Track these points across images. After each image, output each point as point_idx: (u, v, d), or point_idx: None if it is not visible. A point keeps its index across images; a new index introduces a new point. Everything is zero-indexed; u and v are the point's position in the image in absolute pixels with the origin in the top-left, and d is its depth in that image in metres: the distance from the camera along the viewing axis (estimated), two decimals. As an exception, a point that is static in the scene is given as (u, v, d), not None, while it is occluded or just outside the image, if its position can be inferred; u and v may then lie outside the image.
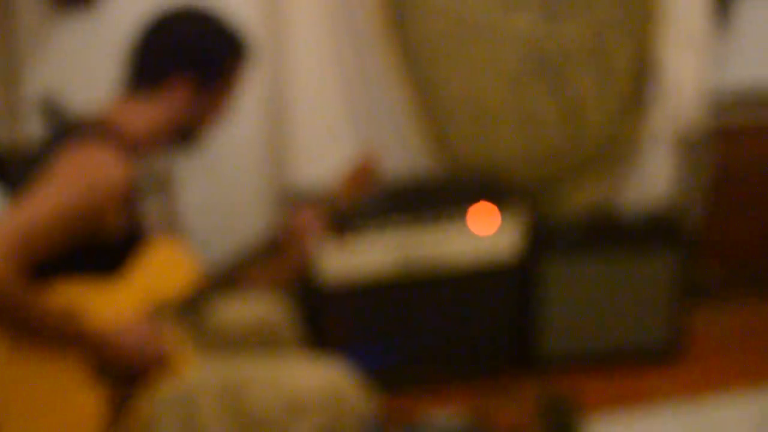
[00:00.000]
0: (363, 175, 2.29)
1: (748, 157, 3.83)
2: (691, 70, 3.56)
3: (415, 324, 3.25)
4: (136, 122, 2.02)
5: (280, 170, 3.38)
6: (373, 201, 2.75)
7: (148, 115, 2.03)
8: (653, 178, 3.64)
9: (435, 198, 3.22)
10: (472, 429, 2.94)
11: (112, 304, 1.99)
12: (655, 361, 3.44)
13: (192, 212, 3.17)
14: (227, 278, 2.16)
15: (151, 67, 2.04)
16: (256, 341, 2.34)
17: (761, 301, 3.94)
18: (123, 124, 2.01)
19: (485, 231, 3.21)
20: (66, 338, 1.91)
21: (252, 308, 2.39)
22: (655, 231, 3.42)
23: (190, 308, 2.10)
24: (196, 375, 2.07)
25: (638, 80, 3.53)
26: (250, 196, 3.37)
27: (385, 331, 3.22)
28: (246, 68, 2.14)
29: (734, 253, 3.92)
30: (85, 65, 3.11)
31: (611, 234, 3.39)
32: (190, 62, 2.03)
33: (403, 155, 3.38)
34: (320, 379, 2.06)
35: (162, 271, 2.08)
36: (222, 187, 3.31)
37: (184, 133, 2.11)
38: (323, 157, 3.27)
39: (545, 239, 3.34)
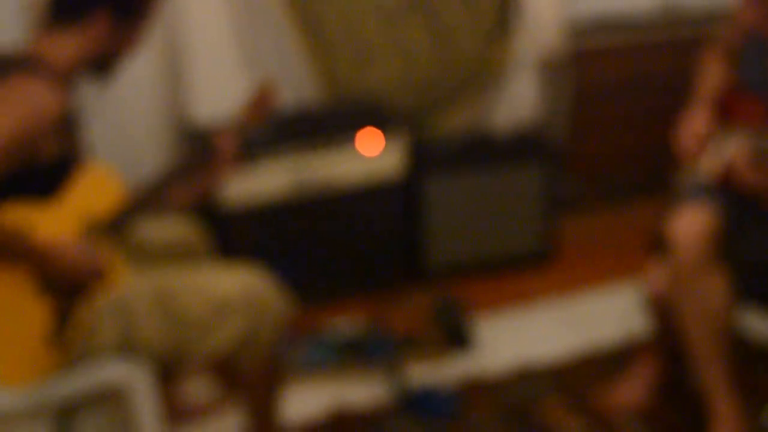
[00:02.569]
0: (262, 103, 2.46)
1: (603, 78, 4.10)
2: (549, 1, 3.84)
3: (313, 242, 3.43)
4: (61, 53, 2.17)
5: (177, 107, 3.50)
6: (268, 129, 2.90)
7: (71, 46, 2.18)
8: (520, 100, 3.90)
9: (324, 125, 3.40)
10: (372, 335, 3.13)
11: (50, 225, 2.16)
12: (530, 264, 3.75)
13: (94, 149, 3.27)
14: (149, 199, 2.33)
15: (74, 3, 2.19)
16: (177, 256, 2.54)
17: (618, 208, 4.27)
18: (48, 55, 2.16)
19: (372, 153, 3.43)
20: (14, 254, 2.07)
21: (171, 227, 2.58)
22: (523, 148, 3.68)
23: (118, 226, 2.27)
24: (130, 285, 2.26)
25: (503, 11, 3.76)
26: (149, 133, 3.47)
27: (285, 249, 3.39)
28: (159, 2, 2.31)
29: (594, 166, 4.22)
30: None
31: (485, 152, 3.65)
32: None
33: (293, 88, 3.55)
34: (241, 282, 2.27)
35: (92, 193, 2.25)
36: (123, 125, 3.41)
37: (102, 64, 2.28)
38: (218, 94, 3.40)
39: (426, 159, 3.58)
